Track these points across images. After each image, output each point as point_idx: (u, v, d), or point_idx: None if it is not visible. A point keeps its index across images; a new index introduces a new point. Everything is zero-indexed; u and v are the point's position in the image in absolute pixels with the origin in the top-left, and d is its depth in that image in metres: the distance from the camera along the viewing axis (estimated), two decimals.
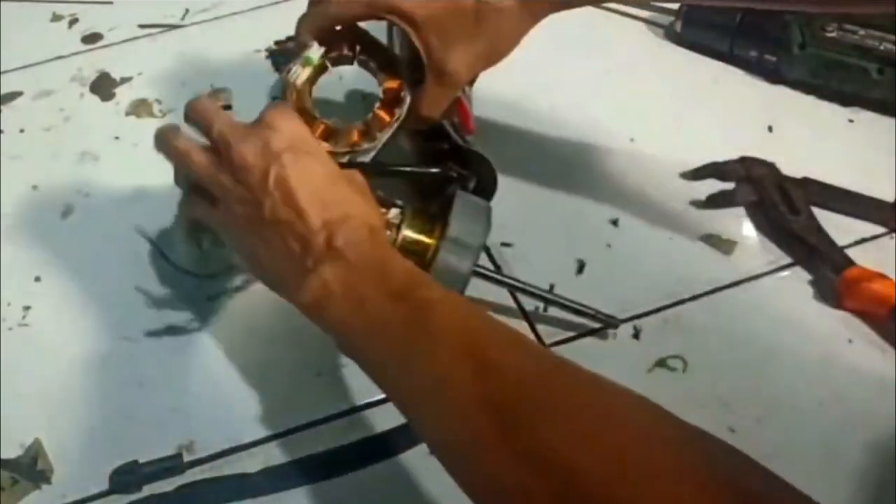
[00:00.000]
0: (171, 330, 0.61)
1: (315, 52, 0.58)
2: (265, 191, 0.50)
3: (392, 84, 0.58)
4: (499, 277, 0.59)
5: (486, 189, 0.62)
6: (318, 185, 0.50)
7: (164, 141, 0.56)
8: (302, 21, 0.60)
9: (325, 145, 0.56)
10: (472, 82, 0.64)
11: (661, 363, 0.58)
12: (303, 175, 0.50)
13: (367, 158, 0.57)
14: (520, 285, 0.59)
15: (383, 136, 0.57)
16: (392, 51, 0.61)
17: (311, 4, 0.61)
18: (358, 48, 0.60)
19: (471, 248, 0.55)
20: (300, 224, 0.49)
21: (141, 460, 0.53)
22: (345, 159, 0.56)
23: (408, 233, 0.55)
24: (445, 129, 0.62)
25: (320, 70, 0.59)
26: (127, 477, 0.53)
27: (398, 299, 0.46)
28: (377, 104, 0.58)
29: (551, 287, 0.61)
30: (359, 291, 0.47)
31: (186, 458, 0.54)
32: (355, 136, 0.57)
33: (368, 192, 0.54)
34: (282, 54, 0.80)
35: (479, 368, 0.41)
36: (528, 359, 0.43)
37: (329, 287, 0.48)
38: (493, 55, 0.58)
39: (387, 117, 0.58)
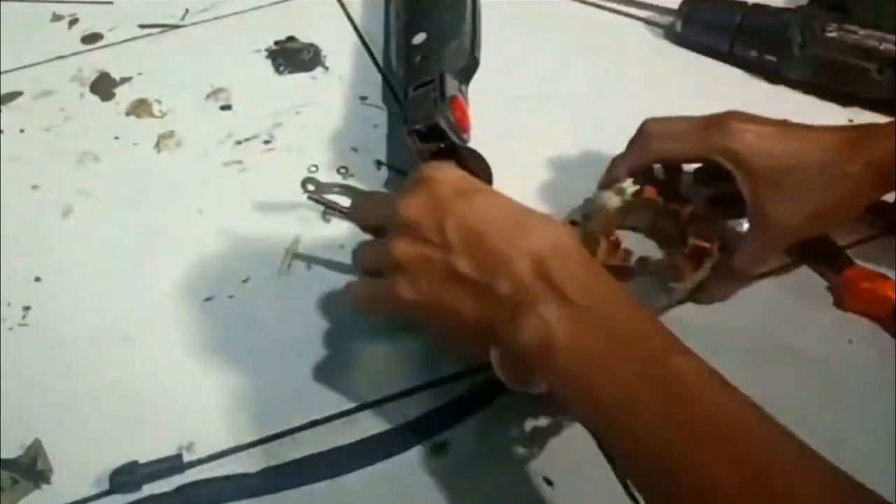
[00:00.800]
0: (172, 330, 0.61)
1: (630, 185, 0.60)
2: (447, 244, 0.45)
3: (701, 244, 0.58)
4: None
5: None
6: (505, 218, 0.45)
7: (355, 298, 0.52)
8: (623, 156, 0.60)
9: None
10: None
11: None
12: (483, 214, 0.45)
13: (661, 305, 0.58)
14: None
15: (678, 289, 0.58)
16: (707, 208, 0.60)
17: (633, 141, 0.60)
18: (664, 196, 0.61)
19: None
20: (502, 265, 0.44)
21: (141, 460, 0.53)
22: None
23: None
24: (442, 127, 0.61)
25: (630, 205, 0.60)
26: (127, 477, 0.53)
27: (643, 369, 0.41)
28: (684, 251, 0.58)
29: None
30: (591, 345, 0.42)
31: (186, 458, 0.54)
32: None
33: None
34: (282, 54, 0.80)
35: (748, 479, 0.37)
36: (800, 465, 0.39)
37: (552, 331, 0.42)
38: (829, 219, 0.56)
39: (687, 270, 0.57)
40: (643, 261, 0.58)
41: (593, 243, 0.57)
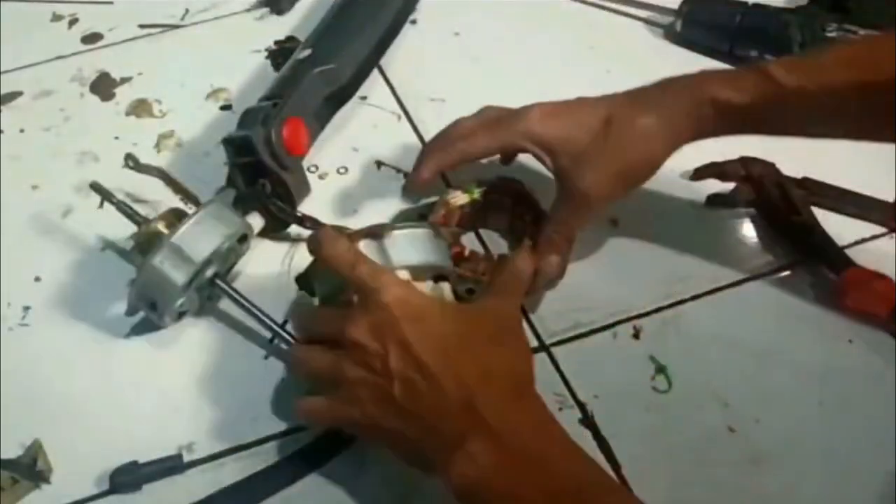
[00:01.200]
0: (172, 330, 0.61)
1: (478, 188, 0.62)
2: (389, 372, 0.46)
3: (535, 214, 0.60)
4: (239, 300, 0.57)
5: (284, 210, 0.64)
6: (443, 345, 0.47)
7: (305, 413, 0.52)
8: (430, 154, 0.61)
9: (456, 269, 0.57)
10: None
11: (661, 370, 0.58)
12: (424, 341, 0.46)
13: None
14: (255, 312, 0.57)
15: None
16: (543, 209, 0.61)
17: (439, 138, 0.62)
18: (512, 202, 0.63)
19: (190, 261, 0.55)
20: (436, 397, 0.45)
21: (141, 460, 0.53)
22: (468, 285, 0.57)
23: (157, 225, 0.57)
24: (252, 142, 0.62)
25: (474, 203, 0.62)
26: (127, 477, 0.53)
27: None
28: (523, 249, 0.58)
29: (285, 322, 0.59)
30: (513, 480, 0.44)
31: (186, 458, 0.54)
32: (482, 268, 0.59)
33: (518, 330, 0.51)
34: (282, 54, 0.80)
35: None
36: None
37: (479, 466, 0.44)
38: (631, 177, 0.57)
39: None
40: (473, 254, 0.61)
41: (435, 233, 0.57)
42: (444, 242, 0.57)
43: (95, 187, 0.61)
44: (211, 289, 0.59)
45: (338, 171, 0.71)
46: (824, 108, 0.53)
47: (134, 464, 0.53)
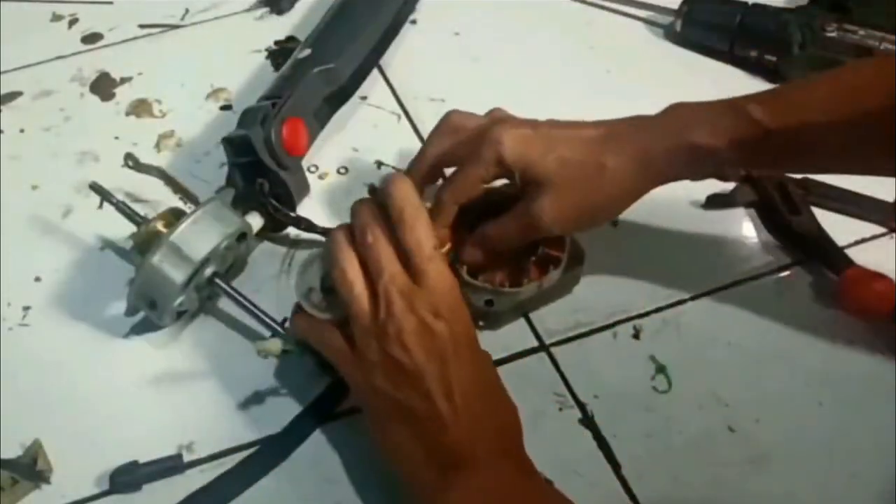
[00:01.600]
0: (172, 330, 0.61)
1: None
2: (418, 383, 0.47)
3: (555, 252, 0.58)
4: (238, 298, 0.57)
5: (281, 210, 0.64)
6: (479, 389, 0.48)
7: (335, 239, 0.52)
8: (450, 190, 0.57)
9: (467, 278, 0.57)
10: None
11: (661, 370, 0.58)
12: (464, 375, 0.47)
13: (507, 303, 0.58)
14: (255, 311, 0.57)
15: (528, 288, 0.58)
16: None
17: (432, 135, 0.60)
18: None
19: (189, 260, 0.55)
20: (440, 426, 0.47)
21: (141, 460, 0.53)
22: (486, 297, 0.57)
23: (156, 224, 0.57)
24: (251, 141, 0.62)
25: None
26: (127, 477, 0.53)
27: None
28: (532, 258, 0.58)
29: (284, 320, 0.58)
30: None
31: (186, 457, 0.54)
32: (499, 278, 0.58)
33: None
34: (282, 54, 0.80)
35: None
36: None
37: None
38: (591, 215, 0.56)
39: (537, 273, 0.58)
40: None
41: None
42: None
43: (95, 188, 0.61)
44: (210, 288, 0.59)
45: (338, 171, 0.71)
46: (806, 146, 0.52)
47: (134, 464, 0.53)
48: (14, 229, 0.68)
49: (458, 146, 0.58)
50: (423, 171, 0.59)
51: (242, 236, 0.60)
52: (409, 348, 0.47)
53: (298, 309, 0.54)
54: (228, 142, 0.64)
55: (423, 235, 0.50)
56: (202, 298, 0.60)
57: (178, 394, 0.57)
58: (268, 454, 0.54)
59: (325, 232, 0.63)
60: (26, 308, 0.63)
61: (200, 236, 0.56)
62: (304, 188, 0.67)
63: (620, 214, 0.57)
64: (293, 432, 0.55)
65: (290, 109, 0.65)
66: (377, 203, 0.52)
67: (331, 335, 0.52)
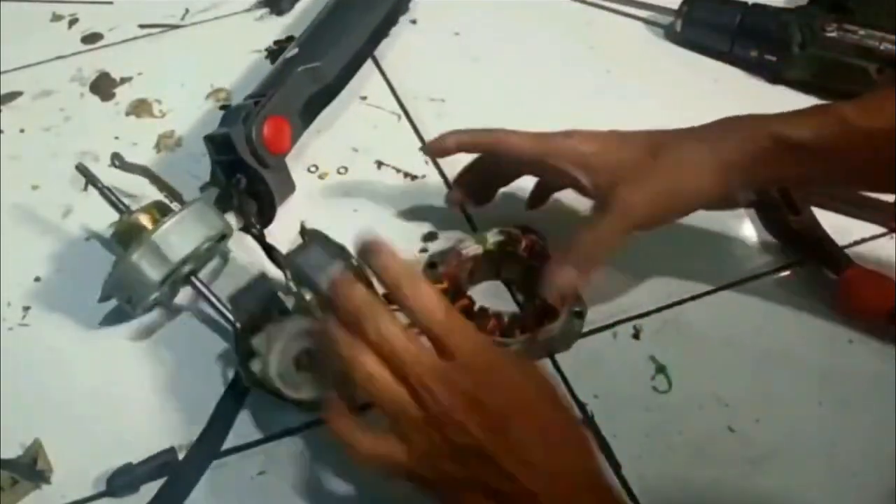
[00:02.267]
0: (173, 330, 0.61)
1: (494, 235, 0.59)
2: (489, 462, 0.42)
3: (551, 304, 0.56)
4: (212, 300, 0.57)
5: (264, 212, 0.64)
6: (551, 438, 0.44)
7: (336, 338, 0.45)
8: (462, 130, 0.59)
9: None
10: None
11: (661, 370, 0.58)
12: (530, 435, 0.43)
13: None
14: (223, 310, 0.57)
15: (516, 341, 0.56)
16: None
17: (476, 131, 0.59)
18: (528, 255, 0.59)
19: (167, 261, 0.56)
20: (526, 493, 0.42)
21: (136, 461, 0.53)
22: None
23: (139, 217, 0.58)
24: (231, 140, 0.62)
25: (487, 255, 0.59)
26: (124, 480, 0.53)
27: None
28: (531, 308, 0.58)
29: None
30: None
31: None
32: (491, 325, 0.56)
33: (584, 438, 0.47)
34: (281, 54, 0.80)
35: None
36: None
37: None
38: (677, 202, 0.54)
39: (533, 324, 0.56)
40: (483, 311, 0.57)
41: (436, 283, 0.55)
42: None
43: (81, 169, 0.61)
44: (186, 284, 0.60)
45: (338, 171, 0.71)
46: (888, 155, 0.50)
47: (129, 465, 0.53)
48: (14, 229, 0.68)
49: (516, 134, 0.57)
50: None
51: (223, 237, 0.61)
52: (468, 430, 0.43)
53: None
54: (210, 140, 0.64)
55: (431, 302, 0.45)
56: (177, 292, 0.61)
57: (179, 394, 0.57)
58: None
59: (275, 260, 0.60)
60: (26, 308, 0.63)
61: (181, 237, 0.57)
62: (288, 187, 0.67)
63: (700, 208, 0.55)
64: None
65: (274, 108, 0.65)
66: (356, 277, 0.48)
67: (385, 445, 0.45)
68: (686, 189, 0.53)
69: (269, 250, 0.60)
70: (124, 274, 0.57)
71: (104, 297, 0.59)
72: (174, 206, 0.62)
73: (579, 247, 0.54)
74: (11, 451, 0.54)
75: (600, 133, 0.56)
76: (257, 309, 0.54)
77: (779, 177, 0.54)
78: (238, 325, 0.55)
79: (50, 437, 0.55)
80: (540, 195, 0.64)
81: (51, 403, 0.57)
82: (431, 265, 0.59)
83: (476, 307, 0.57)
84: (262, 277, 0.56)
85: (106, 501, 0.53)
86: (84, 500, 0.53)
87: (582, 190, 0.56)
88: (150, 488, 0.53)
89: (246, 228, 0.64)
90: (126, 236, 0.57)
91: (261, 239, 0.61)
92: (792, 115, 0.53)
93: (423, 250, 0.65)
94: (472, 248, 0.59)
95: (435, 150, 0.62)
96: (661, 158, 0.53)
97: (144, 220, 0.58)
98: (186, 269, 0.58)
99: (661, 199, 0.53)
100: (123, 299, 0.58)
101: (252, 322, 0.53)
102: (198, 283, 0.58)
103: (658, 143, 0.54)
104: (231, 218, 0.64)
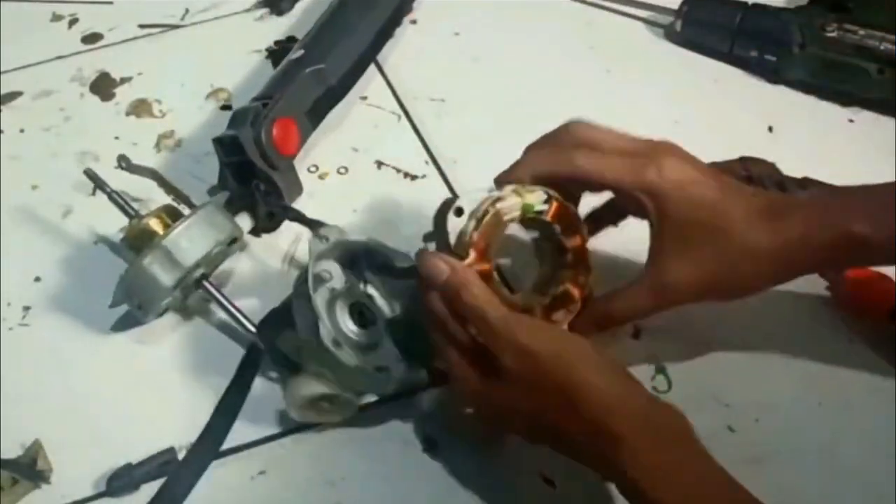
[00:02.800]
0: (174, 331, 0.61)
1: (539, 203, 0.52)
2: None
3: (571, 291, 0.53)
4: (224, 304, 0.57)
5: (274, 215, 0.64)
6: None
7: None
8: (535, 156, 0.53)
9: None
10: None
11: (661, 371, 0.58)
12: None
13: None
14: (236, 314, 0.57)
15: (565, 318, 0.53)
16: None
17: (551, 143, 0.54)
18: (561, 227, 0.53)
19: (179, 265, 0.56)
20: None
21: (136, 461, 0.53)
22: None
23: (149, 222, 0.57)
24: (240, 142, 0.62)
25: (529, 219, 0.53)
26: (123, 480, 0.52)
27: None
28: (548, 293, 0.53)
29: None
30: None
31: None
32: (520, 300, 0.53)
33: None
34: (282, 54, 0.80)
35: None
36: None
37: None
38: (723, 288, 0.51)
39: (576, 292, 0.53)
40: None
41: (464, 245, 0.51)
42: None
43: (90, 174, 0.61)
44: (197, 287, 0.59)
45: (338, 171, 0.71)
46: None
47: (128, 466, 0.53)
48: (14, 229, 0.68)
49: (602, 163, 0.52)
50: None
51: (234, 240, 0.61)
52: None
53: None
54: (219, 142, 0.64)
55: (480, 312, 0.47)
56: (186, 297, 0.61)
57: (179, 394, 0.57)
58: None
59: (309, 223, 0.59)
60: (26, 308, 0.63)
61: (193, 242, 0.57)
62: (297, 188, 0.68)
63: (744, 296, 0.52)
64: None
65: (281, 109, 0.65)
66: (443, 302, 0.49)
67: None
68: (739, 282, 0.50)
69: (314, 226, 0.59)
70: (136, 279, 0.56)
71: (115, 303, 0.59)
72: (182, 208, 0.62)
73: (616, 310, 0.53)
74: (11, 451, 0.54)
75: (696, 174, 0.50)
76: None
77: (838, 266, 0.53)
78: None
79: (50, 437, 0.55)
80: (603, 216, 0.58)
81: (51, 403, 0.57)
82: (458, 211, 0.52)
83: (494, 276, 0.52)
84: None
85: (106, 501, 0.53)
86: (84, 500, 0.53)
87: (651, 226, 0.51)
88: (150, 488, 0.53)
89: (256, 231, 0.64)
90: (137, 241, 0.57)
91: (303, 218, 0.59)
92: (873, 209, 0.48)
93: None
94: (511, 210, 0.52)
95: (501, 183, 0.54)
96: (729, 241, 0.49)
97: (155, 224, 0.58)
98: (198, 273, 0.58)
99: (707, 286, 0.50)
100: (135, 305, 0.58)
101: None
102: (209, 287, 0.58)
103: (739, 215, 0.49)
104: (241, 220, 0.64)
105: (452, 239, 0.51)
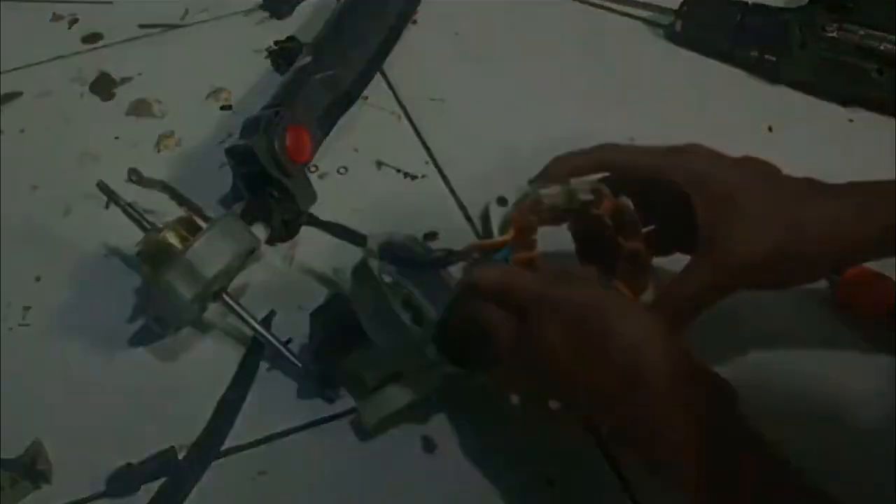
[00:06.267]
0: (172, 330, 0.61)
1: (585, 192, 0.50)
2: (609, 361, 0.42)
3: (624, 290, 0.50)
4: (244, 316, 0.57)
5: (290, 223, 0.64)
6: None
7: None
8: (561, 159, 0.53)
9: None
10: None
11: None
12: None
13: None
14: (258, 328, 0.57)
15: None
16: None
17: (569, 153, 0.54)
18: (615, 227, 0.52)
19: (200, 278, 0.55)
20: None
21: (135, 461, 0.53)
22: None
23: (166, 235, 0.56)
24: (253, 151, 0.62)
25: (573, 213, 0.51)
26: (123, 481, 0.53)
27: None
28: (619, 275, 0.51)
29: (289, 340, 0.58)
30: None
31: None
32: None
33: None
34: (282, 54, 0.80)
35: None
36: None
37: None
38: (793, 255, 0.47)
39: (629, 292, 0.51)
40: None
41: (505, 224, 0.51)
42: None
43: (102, 187, 0.61)
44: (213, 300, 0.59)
45: (338, 172, 0.71)
46: None
47: (129, 465, 0.53)
48: (14, 229, 0.68)
49: (634, 152, 0.52)
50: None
51: (252, 251, 0.60)
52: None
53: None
54: (232, 152, 0.64)
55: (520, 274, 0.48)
56: (203, 309, 0.60)
57: (179, 395, 0.57)
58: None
59: (354, 240, 0.61)
60: (26, 308, 0.63)
61: (213, 254, 0.56)
62: (310, 196, 0.67)
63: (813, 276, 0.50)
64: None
65: (293, 117, 0.65)
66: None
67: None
68: (816, 236, 0.47)
69: (348, 233, 0.61)
70: (158, 294, 0.56)
71: (134, 317, 0.59)
72: (196, 220, 0.61)
73: (680, 295, 0.50)
74: (11, 451, 0.54)
75: (728, 156, 0.50)
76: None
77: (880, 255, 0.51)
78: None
79: (50, 437, 0.55)
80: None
81: (51, 403, 0.57)
82: (502, 200, 0.53)
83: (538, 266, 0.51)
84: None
85: (106, 501, 0.53)
86: (84, 500, 0.53)
87: (694, 218, 0.49)
88: (151, 488, 0.53)
89: (272, 241, 0.64)
90: (154, 255, 0.57)
91: (332, 226, 0.61)
92: None
93: None
94: (554, 198, 0.51)
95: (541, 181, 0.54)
96: (788, 191, 0.47)
97: (172, 238, 0.57)
98: (217, 286, 0.57)
99: (782, 252, 0.47)
100: (153, 319, 0.58)
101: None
102: (228, 299, 0.58)
103: (787, 177, 0.48)
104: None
105: (495, 228, 0.51)
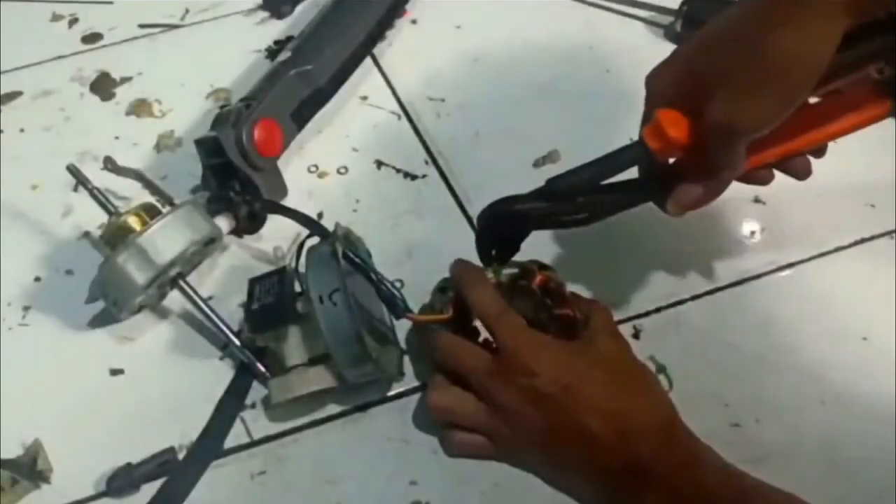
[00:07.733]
0: (175, 332, 0.61)
1: (509, 268, 0.57)
2: (556, 439, 0.49)
3: (565, 313, 0.55)
4: (199, 304, 0.58)
5: (256, 216, 0.64)
6: (614, 406, 0.49)
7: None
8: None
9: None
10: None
11: (661, 370, 0.58)
12: (594, 402, 0.49)
13: None
14: (211, 315, 0.58)
15: None
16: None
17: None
18: (541, 292, 0.56)
19: (153, 264, 0.56)
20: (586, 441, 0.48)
21: (135, 461, 0.53)
22: None
23: (127, 219, 0.57)
24: (220, 143, 0.62)
25: (500, 287, 0.55)
26: (123, 481, 0.53)
27: None
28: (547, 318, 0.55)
29: (239, 331, 0.59)
30: None
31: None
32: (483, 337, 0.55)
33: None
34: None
35: None
36: None
37: None
38: (790, 95, 0.48)
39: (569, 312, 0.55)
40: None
41: (438, 310, 0.56)
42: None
43: (72, 170, 0.61)
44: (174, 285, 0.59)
45: (338, 171, 0.71)
46: None
47: (129, 465, 0.53)
48: (14, 229, 0.68)
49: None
50: None
51: (212, 240, 0.61)
52: (529, 416, 0.49)
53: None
54: (200, 143, 0.64)
55: (486, 301, 0.52)
56: (164, 295, 0.61)
57: (179, 395, 0.57)
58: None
59: (318, 232, 0.61)
60: (26, 308, 0.63)
61: (168, 241, 0.57)
62: (280, 189, 0.68)
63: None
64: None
65: (264, 111, 0.65)
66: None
67: (473, 441, 0.53)
68: (797, 66, 0.48)
69: (309, 221, 0.62)
70: (109, 276, 0.57)
71: (91, 299, 0.60)
72: (161, 208, 0.61)
73: (705, 164, 0.50)
74: (11, 451, 0.54)
75: (669, 59, 0.54)
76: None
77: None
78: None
79: (50, 437, 0.55)
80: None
81: (51, 403, 0.57)
82: (441, 289, 0.57)
83: (481, 339, 0.55)
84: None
85: (106, 501, 0.53)
86: (84, 500, 0.53)
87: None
88: (150, 488, 0.53)
89: (237, 232, 0.64)
90: (114, 238, 0.57)
91: (294, 212, 0.62)
92: None
93: None
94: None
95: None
96: (775, 65, 0.47)
97: (133, 222, 0.58)
98: (173, 272, 0.58)
99: (779, 105, 0.47)
100: (109, 301, 0.58)
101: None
102: (185, 287, 0.58)
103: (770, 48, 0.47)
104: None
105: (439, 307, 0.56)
